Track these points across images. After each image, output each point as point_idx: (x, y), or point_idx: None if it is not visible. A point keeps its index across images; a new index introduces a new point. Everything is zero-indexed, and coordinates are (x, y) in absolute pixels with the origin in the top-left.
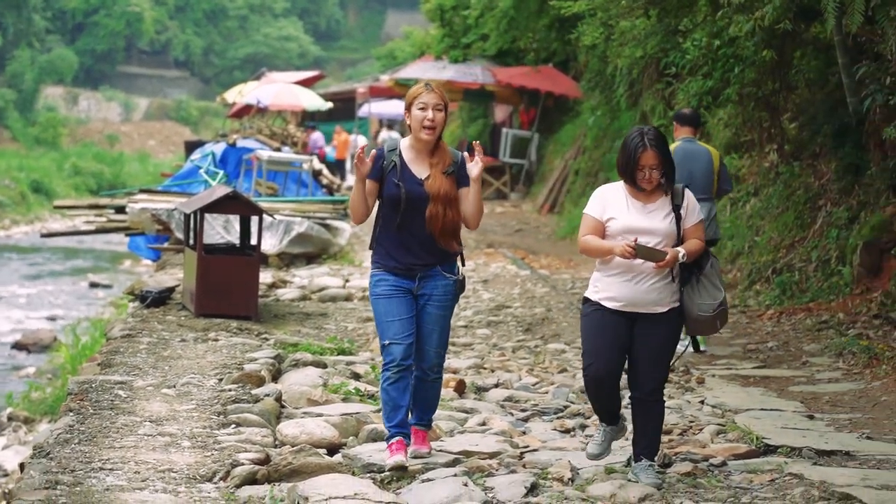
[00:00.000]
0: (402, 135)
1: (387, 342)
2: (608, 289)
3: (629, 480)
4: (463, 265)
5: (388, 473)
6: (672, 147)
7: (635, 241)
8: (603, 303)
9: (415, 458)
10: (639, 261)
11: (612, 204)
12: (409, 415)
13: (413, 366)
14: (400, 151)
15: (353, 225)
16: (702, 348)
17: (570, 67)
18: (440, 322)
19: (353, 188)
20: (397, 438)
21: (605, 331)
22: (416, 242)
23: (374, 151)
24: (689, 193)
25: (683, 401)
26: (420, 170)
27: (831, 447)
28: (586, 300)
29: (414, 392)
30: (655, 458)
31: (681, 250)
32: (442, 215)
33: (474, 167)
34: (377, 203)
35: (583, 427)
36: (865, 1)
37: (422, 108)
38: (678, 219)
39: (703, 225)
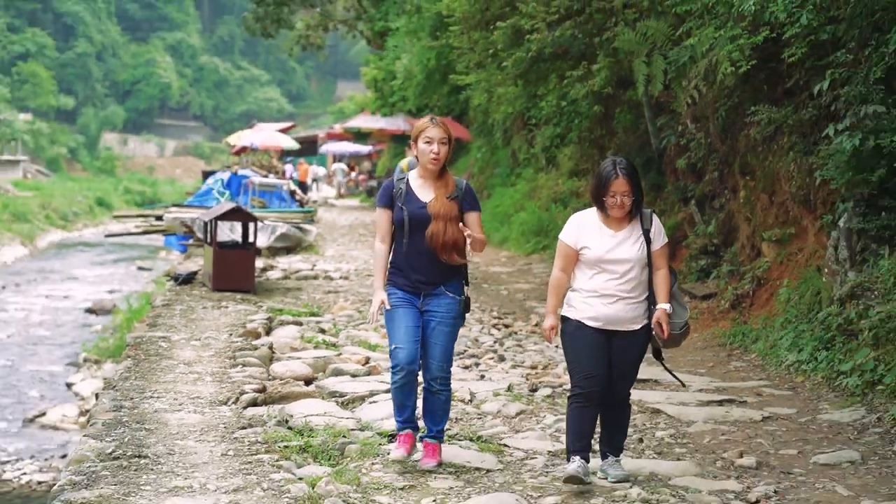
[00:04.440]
0: (349, 166)
1: (393, 346)
2: (587, 308)
3: (598, 477)
4: (467, 285)
5: (347, 398)
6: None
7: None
8: (584, 321)
9: (424, 469)
10: (611, 283)
11: (585, 231)
12: (418, 417)
13: (417, 371)
14: (407, 180)
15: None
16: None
17: (463, 119)
18: (442, 337)
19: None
20: (406, 431)
21: (594, 349)
22: (423, 261)
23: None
24: (655, 217)
25: (544, 346)
26: (425, 194)
27: (644, 377)
28: (565, 318)
29: (424, 403)
30: (620, 456)
31: (665, 306)
32: (443, 232)
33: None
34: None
35: (476, 364)
36: (664, 74)
37: (427, 142)
38: (648, 243)
39: (667, 247)
